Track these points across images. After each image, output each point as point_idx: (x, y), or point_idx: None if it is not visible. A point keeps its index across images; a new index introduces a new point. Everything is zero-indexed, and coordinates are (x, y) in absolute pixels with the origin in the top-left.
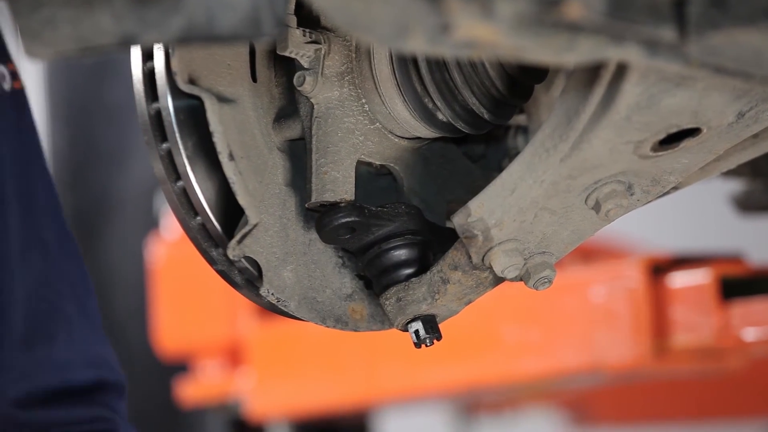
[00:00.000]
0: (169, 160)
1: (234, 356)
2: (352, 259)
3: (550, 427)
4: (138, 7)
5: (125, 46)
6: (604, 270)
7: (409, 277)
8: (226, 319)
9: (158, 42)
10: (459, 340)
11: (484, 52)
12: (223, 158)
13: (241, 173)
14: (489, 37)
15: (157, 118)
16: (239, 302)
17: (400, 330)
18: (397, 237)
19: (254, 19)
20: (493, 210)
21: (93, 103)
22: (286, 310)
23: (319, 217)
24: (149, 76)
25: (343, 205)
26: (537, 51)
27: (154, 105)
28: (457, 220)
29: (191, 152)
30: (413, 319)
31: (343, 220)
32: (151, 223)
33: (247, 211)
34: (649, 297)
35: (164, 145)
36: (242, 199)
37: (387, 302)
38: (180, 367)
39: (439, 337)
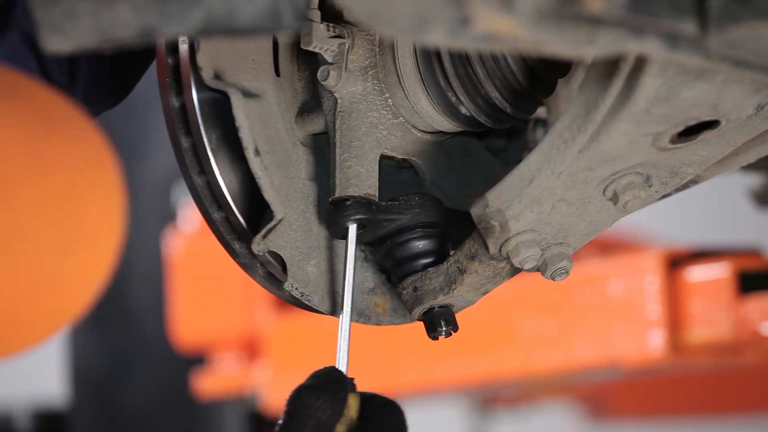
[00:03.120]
0: (193, 152)
1: (251, 349)
2: (374, 252)
3: (567, 421)
4: None
5: (145, 38)
6: (622, 263)
7: (426, 267)
8: (243, 312)
9: (178, 35)
10: (476, 334)
11: (504, 46)
12: (249, 154)
13: (267, 168)
14: (509, 31)
15: (182, 111)
16: (256, 295)
17: (418, 319)
18: (408, 231)
19: (274, 12)
20: (511, 201)
21: None
22: (309, 304)
23: (328, 214)
24: (174, 68)
25: (349, 203)
26: (557, 44)
27: (179, 97)
28: (475, 211)
29: (215, 145)
30: (429, 310)
31: (350, 219)
32: (169, 216)
33: (273, 207)
34: (667, 291)
35: (188, 138)
36: (268, 195)
37: (404, 292)
38: (197, 360)
39: (455, 329)
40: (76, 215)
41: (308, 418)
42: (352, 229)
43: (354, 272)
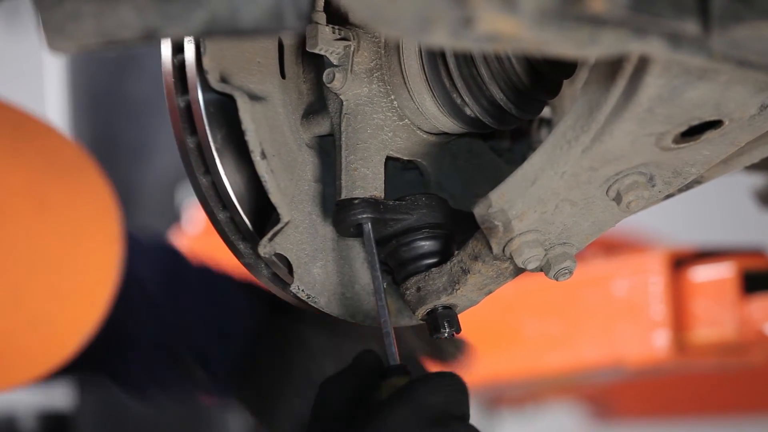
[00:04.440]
0: (198, 152)
1: None
2: (379, 253)
3: (572, 421)
4: (161, 0)
5: (148, 40)
6: (626, 264)
7: (429, 267)
8: None
9: (181, 36)
10: (481, 335)
11: (507, 46)
12: (256, 157)
13: (273, 171)
14: (511, 31)
15: (187, 111)
16: None
17: (421, 320)
18: (415, 231)
19: (276, 13)
20: (514, 201)
21: (115, 97)
22: (316, 306)
23: (335, 213)
24: (179, 68)
25: (357, 201)
26: (559, 44)
27: (184, 97)
28: (478, 211)
29: (220, 145)
30: (433, 311)
31: (357, 218)
32: (173, 217)
33: (279, 210)
34: (671, 291)
35: (194, 138)
36: (274, 198)
37: (407, 292)
38: None
39: (458, 330)
40: (73, 263)
41: (331, 407)
42: (367, 227)
43: (379, 265)
